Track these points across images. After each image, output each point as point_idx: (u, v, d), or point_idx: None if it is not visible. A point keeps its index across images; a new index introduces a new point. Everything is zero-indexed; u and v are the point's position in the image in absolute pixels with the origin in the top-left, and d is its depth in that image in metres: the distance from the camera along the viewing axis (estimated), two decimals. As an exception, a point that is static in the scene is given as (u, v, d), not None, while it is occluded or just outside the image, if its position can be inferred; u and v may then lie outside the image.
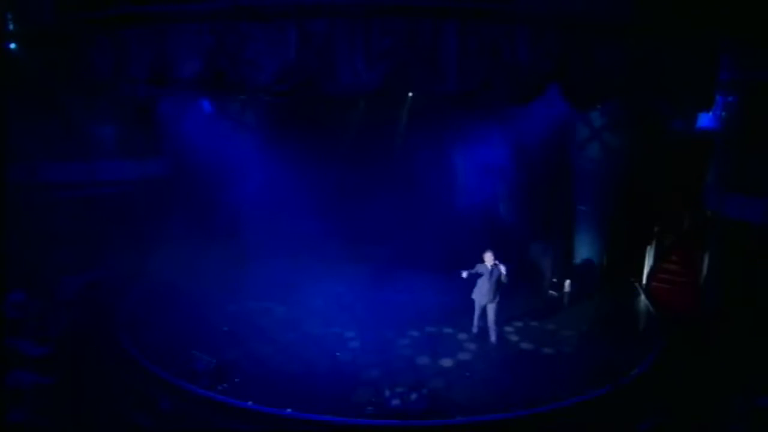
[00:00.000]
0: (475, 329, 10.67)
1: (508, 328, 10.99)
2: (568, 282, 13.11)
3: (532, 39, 8.90)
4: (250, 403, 8.20)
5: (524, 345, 10.49)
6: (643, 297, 13.10)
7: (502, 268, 10.06)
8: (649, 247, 13.88)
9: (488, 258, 10.14)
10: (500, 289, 10.24)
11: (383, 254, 14.19)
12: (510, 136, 14.24)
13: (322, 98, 10.78)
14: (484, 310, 10.46)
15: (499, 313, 10.39)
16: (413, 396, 8.23)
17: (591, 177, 12.89)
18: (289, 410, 8.03)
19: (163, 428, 8.34)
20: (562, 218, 13.73)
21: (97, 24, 9.68)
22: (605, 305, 12.28)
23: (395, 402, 8.13)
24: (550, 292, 13.01)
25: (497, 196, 14.97)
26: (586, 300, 12.58)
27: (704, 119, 12.66)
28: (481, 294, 10.30)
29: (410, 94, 12.50)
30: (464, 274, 10.12)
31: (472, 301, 10.53)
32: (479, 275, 10.19)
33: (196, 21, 9.11)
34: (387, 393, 8.30)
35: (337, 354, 9.96)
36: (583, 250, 13.51)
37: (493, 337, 10.39)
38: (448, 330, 10.97)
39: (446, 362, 9.80)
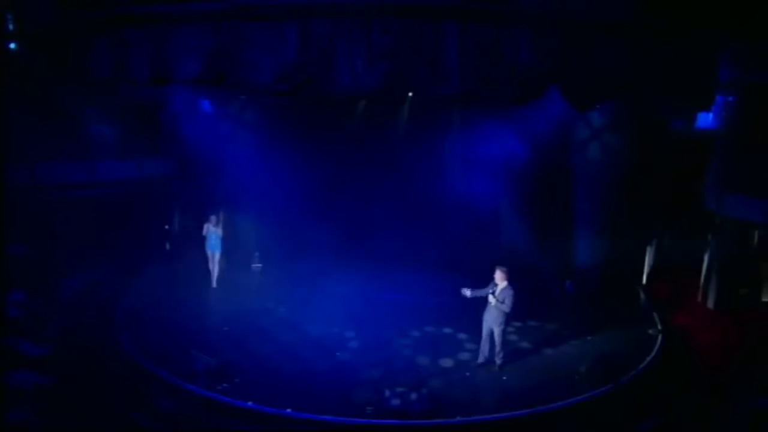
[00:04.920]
0: (481, 359, 9.63)
1: (508, 328, 10.95)
2: (568, 282, 13.11)
3: (532, 39, 8.90)
4: (250, 403, 8.20)
5: (524, 345, 10.49)
6: (643, 297, 13.10)
7: (508, 294, 9.08)
8: (649, 247, 13.89)
9: (499, 276, 9.19)
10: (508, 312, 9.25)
11: (384, 253, 14.16)
12: (510, 136, 14.25)
13: (322, 98, 10.80)
14: (490, 333, 9.47)
15: (504, 335, 9.50)
16: (413, 396, 8.23)
17: (591, 177, 12.88)
18: (289, 410, 8.03)
19: (163, 428, 8.34)
20: (562, 218, 13.72)
21: (97, 24, 9.69)
22: (605, 305, 12.27)
23: (395, 402, 8.13)
24: (551, 292, 13.00)
25: (498, 196, 14.97)
26: (587, 300, 12.57)
27: (704, 119, 12.67)
28: (492, 317, 9.32)
29: (410, 94, 12.47)
30: (468, 293, 9.25)
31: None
32: (487, 297, 9.27)
33: (197, 21, 9.11)
34: (387, 393, 8.30)
35: (337, 354, 9.95)
36: (584, 250, 13.49)
37: (498, 361, 9.53)
38: (448, 330, 10.96)
39: (446, 362, 9.80)
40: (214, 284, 12.89)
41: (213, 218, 12.82)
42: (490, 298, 9.19)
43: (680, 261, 13.32)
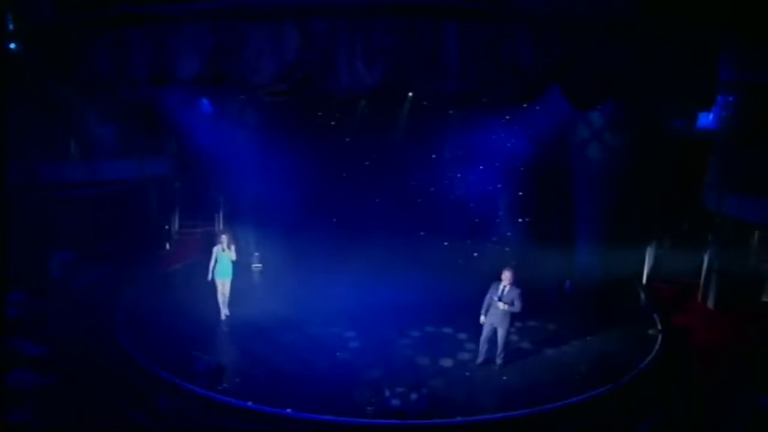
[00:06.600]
0: (480, 358, 9.59)
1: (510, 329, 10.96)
2: (568, 282, 13.10)
3: (532, 39, 8.89)
4: (250, 403, 8.20)
5: (524, 345, 10.48)
6: (643, 297, 13.10)
7: (516, 293, 9.09)
8: (649, 247, 13.89)
9: (505, 276, 9.15)
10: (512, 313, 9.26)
11: (384, 253, 14.16)
12: (510, 136, 14.26)
13: (322, 98, 10.80)
14: (492, 333, 9.43)
15: (508, 336, 9.51)
16: (413, 396, 8.23)
17: (591, 176, 12.88)
18: (289, 410, 8.03)
19: (163, 428, 8.34)
20: (562, 218, 13.72)
21: (97, 24, 9.68)
22: (605, 305, 12.26)
23: (395, 402, 8.13)
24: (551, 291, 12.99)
25: (497, 195, 14.98)
26: (587, 300, 12.56)
27: (704, 119, 12.67)
28: (498, 318, 9.24)
29: (410, 94, 12.49)
30: (482, 319, 9.34)
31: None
32: (492, 300, 9.26)
33: (197, 21, 9.11)
34: (387, 393, 8.30)
35: (338, 354, 9.95)
36: (584, 249, 13.50)
37: (499, 361, 9.52)
38: (448, 330, 10.96)
39: (446, 362, 9.79)
40: (227, 312, 11.18)
41: (224, 239, 10.99)
42: (500, 304, 9.13)
43: (680, 261, 13.31)
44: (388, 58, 8.78)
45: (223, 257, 10.94)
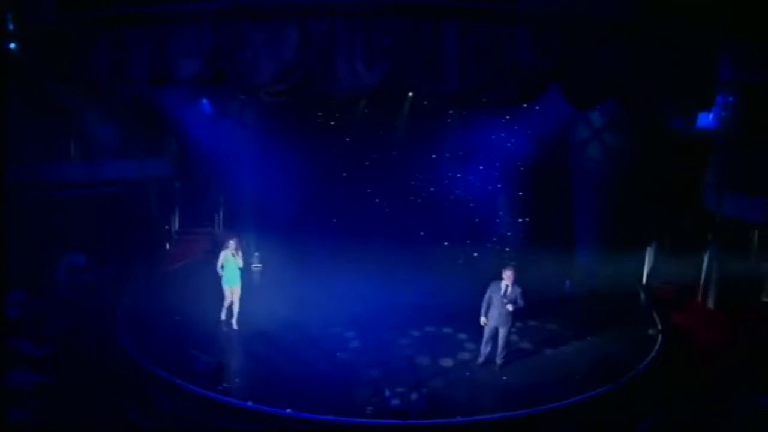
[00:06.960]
0: (481, 359, 9.61)
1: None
2: (568, 282, 13.10)
3: (532, 39, 8.88)
4: (250, 403, 8.20)
5: (524, 345, 10.48)
6: (643, 297, 13.09)
7: (518, 292, 9.10)
8: (649, 247, 13.89)
9: (507, 276, 9.14)
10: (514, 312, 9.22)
11: (384, 252, 14.16)
12: (510, 136, 14.26)
13: (322, 98, 10.79)
14: (494, 334, 9.42)
15: (509, 336, 9.50)
16: (413, 396, 8.23)
17: (590, 176, 12.88)
18: (289, 410, 8.04)
19: (163, 428, 8.34)
20: (561, 217, 13.72)
21: (97, 24, 9.67)
22: (605, 305, 12.27)
23: (395, 402, 8.13)
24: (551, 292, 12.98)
25: (497, 195, 14.99)
26: (587, 300, 12.56)
27: (704, 119, 12.67)
28: (502, 318, 9.21)
29: (410, 94, 12.48)
30: (483, 320, 9.34)
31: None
32: (492, 298, 9.24)
33: (196, 21, 9.10)
34: (387, 393, 8.30)
35: (338, 354, 9.95)
36: (583, 249, 13.50)
37: (499, 361, 9.50)
38: (448, 330, 10.96)
39: (446, 362, 9.79)
40: (235, 326, 10.70)
41: (232, 243, 10.50)
42: (510, 306, 9.10)
43: (680, 261, 13.31)
44: (388, 58, 8.77)
45: (231, 262, 10.55)
